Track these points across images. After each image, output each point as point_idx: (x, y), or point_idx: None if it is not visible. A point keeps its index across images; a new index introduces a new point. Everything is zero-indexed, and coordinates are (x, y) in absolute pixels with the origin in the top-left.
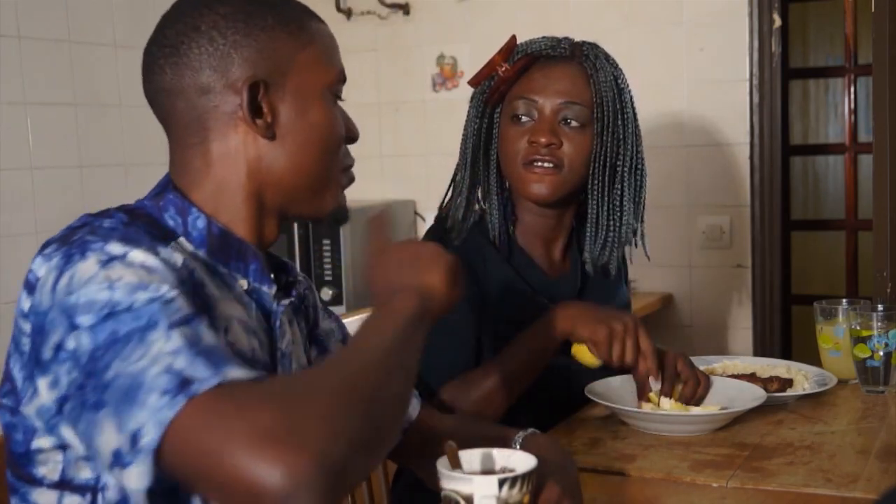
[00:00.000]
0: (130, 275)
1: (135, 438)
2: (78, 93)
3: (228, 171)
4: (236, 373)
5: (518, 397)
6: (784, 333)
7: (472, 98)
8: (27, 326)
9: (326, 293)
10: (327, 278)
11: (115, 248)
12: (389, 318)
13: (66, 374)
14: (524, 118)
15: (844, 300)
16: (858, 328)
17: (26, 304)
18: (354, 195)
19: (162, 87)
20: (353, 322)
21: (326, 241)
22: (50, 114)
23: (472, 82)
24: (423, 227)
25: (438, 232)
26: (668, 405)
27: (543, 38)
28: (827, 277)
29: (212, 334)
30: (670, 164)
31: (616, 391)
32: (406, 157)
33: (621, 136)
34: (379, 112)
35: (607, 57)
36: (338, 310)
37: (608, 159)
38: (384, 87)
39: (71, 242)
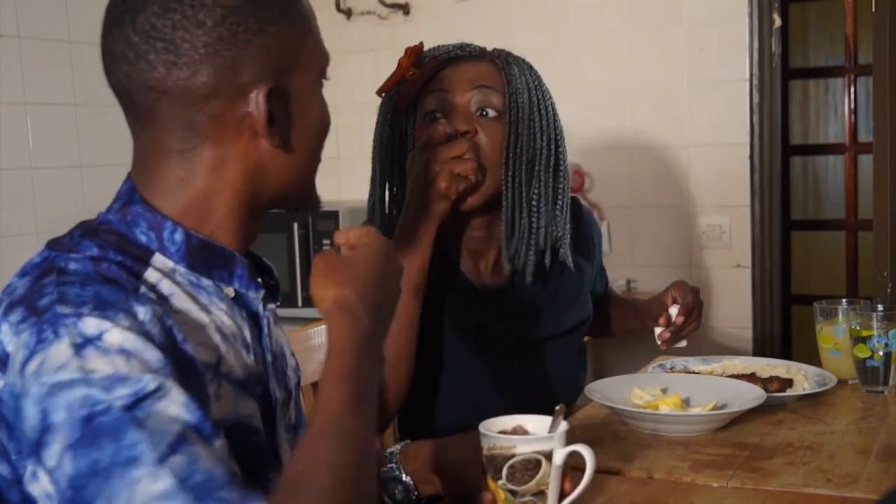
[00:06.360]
0: (106, 365)
1: None
2: (78, 93)
3: (221, 180)
4: None
5: (412, 351)
6: (784, 333)
7: (380, 107)
8: (4, 402)
9: None
10: None
11: (90, 325)
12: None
13: (55, 485)
14: (438, 114)
15: (844, 300)
16: (858, 328)
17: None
18: (354, 195)
19: (148, 85)
20: None
21: (326, 242)
22: (50, 114)
23: (379, 91)
24: None
25: None
26: (667, 407)
27: (452, 43)
28: (827, 277)
29: (207, 452)
30: (670, 164)
31: (616, 391)
32: None
33: (537, 129)
34: None
35: (523, 59)
36: None
37: (524, 153)
38: None
39: (40, 312)
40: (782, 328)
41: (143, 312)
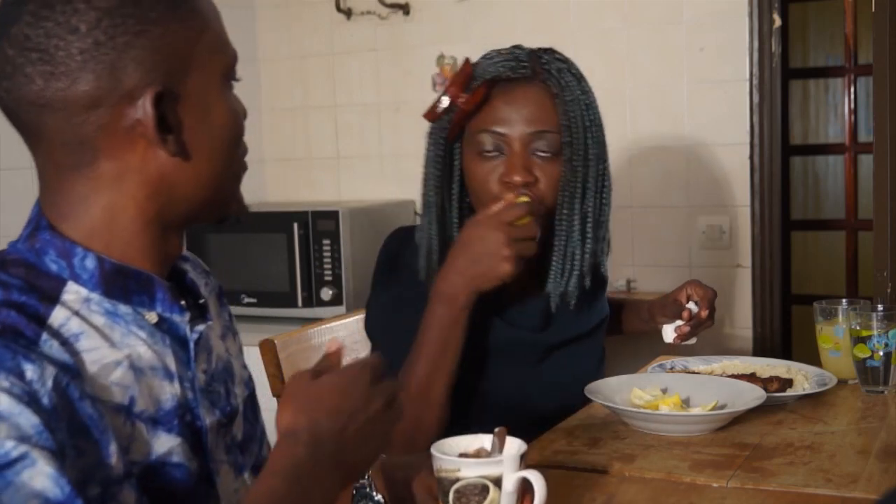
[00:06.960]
0: None
1: None
2: None
3: (123, 195)
4: None
5: (452, 378)
6: (784, 333)
7: (431, 134)
8: None
9: (326, 293)
10: (327, 278)
11: None
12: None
13: None
14: (493, 153)
15: (844, 300)
16: (858, 328)
17: None
18: (354, 195)
19: (29, 100)
20: (351, 322)
21: (326, 242)
22: None
23: (428, 117)
24: None
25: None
26: (667, 407)
27: (498, 54)
28: (827, 277)
29: None
30: (670, 164)
31: (616, 391)
32: (406, 157)
33: (591, 158)
34: (379, 112)
35: (570, 68)
36: (337, 310)
37: (578, 186)
38: (384, 87)
39: None
40: (782, 328)
41: (31, 371)
